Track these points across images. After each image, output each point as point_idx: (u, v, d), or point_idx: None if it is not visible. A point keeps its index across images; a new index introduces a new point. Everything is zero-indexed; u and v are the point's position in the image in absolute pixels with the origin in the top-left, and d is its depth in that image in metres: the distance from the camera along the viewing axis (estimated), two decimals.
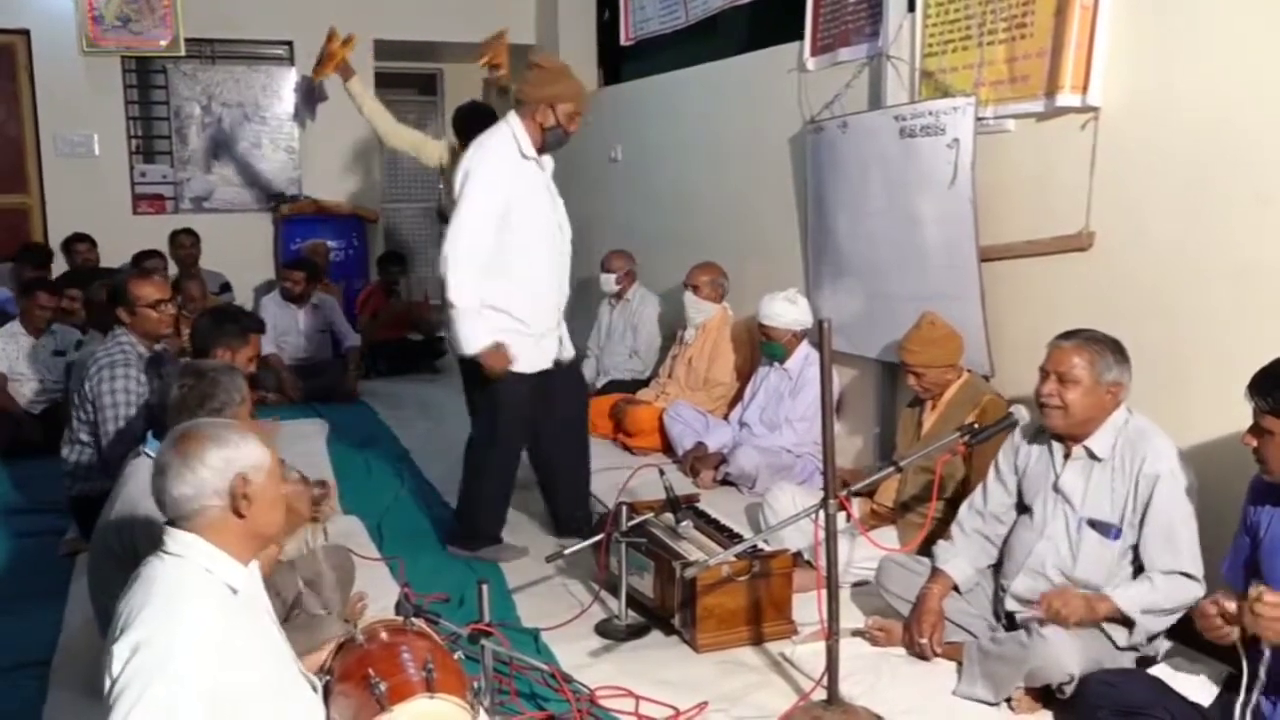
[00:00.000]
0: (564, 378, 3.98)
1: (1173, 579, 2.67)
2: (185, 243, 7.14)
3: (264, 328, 4.38)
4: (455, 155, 4.73)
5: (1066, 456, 2.88)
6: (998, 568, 3.07)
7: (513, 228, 3.66)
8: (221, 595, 1.88)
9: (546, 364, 3.85)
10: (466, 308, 3.64)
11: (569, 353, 4.01)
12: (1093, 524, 2.81)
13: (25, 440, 5.25)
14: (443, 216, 4.98)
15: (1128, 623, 2.69)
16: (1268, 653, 2.16)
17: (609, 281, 5.98)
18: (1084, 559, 2.82)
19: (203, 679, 1.75)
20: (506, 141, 3.71)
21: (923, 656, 2.98)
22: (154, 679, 1.73)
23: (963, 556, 3.05)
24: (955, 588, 3.03)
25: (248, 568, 1.97)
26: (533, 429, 3.94)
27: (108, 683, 1.77)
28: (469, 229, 3.62)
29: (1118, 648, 2.70)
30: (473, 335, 3.66)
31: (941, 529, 3.22)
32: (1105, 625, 2.71)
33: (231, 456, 1.91)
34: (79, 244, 6.96)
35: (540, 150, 3.76)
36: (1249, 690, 2.21)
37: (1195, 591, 2.64)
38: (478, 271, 3.63)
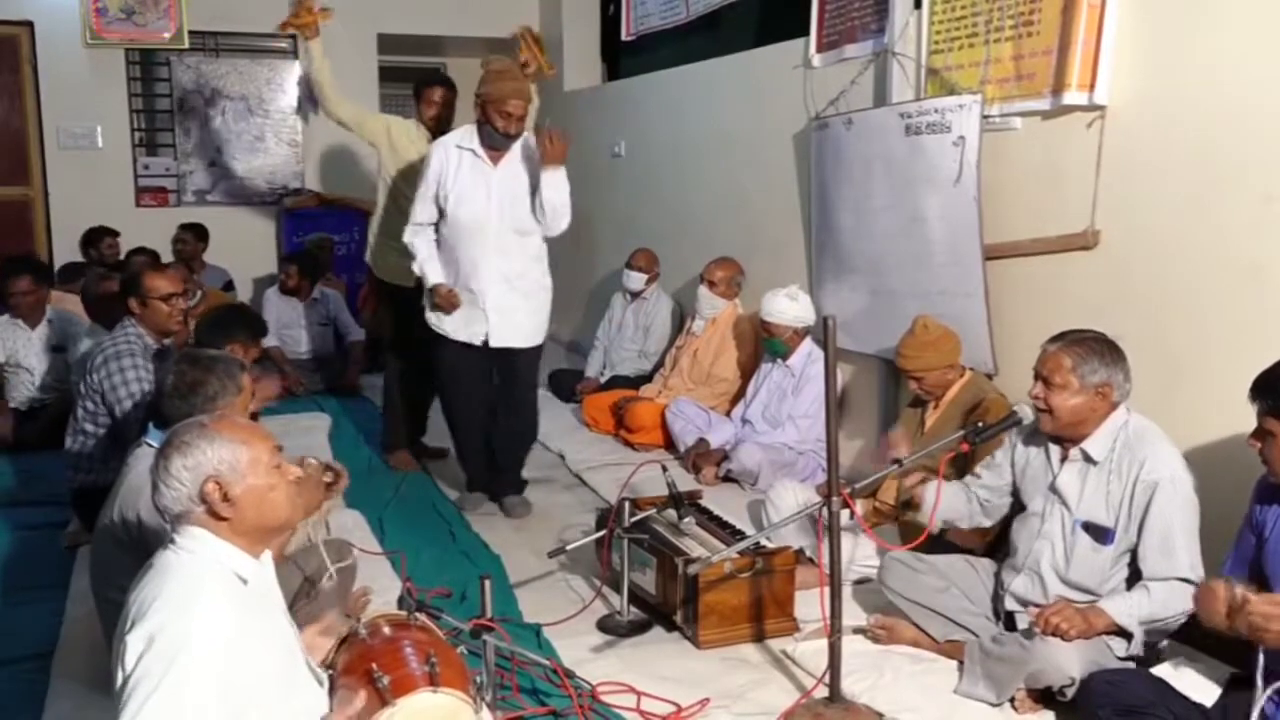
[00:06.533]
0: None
1: (1169, 586, 2.63)
2: (186, 239, 7.10)
3: (266, 331, 4.50)
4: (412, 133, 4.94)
5: (1064, 459, 2.86)
6: (999, 565, 3.07)
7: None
8: (232, 586, 1.89)
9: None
10: None
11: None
12: (1088, 527, 2.79)
13: (22, 437, 5.15)
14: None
15: (1126, 634, 2.67)
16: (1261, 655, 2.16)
17: (637, 279, 5.94)
18: (1076, 562, 2.81)
19: (216, 670, 1.76)
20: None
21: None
22: (168, 671, 1.73)
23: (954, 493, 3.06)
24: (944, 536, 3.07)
25: (259, 559, 1.97)
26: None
27: (120, 676, 1.77)
28: None
29: (1118, 659, 2.68)
30: None
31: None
32: (1104, 636, 2.69)
33: (197, 463, 1.89)
34: (106, 237, 6.98)
35: (486, 144, 4.03)
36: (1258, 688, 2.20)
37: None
38: None
